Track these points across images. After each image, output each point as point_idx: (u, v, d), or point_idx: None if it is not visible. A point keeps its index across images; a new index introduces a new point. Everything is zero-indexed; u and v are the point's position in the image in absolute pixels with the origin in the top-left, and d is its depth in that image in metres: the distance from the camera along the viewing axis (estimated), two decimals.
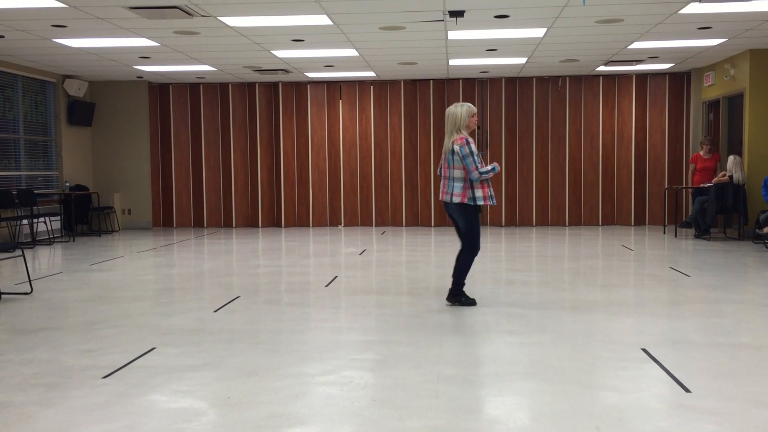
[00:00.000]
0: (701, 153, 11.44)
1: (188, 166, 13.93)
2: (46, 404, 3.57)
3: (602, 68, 12.41)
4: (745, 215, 10.52)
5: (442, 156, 5.85)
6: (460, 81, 13.41)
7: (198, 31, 8.82)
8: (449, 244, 10.55)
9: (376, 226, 13.71)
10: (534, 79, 13.39)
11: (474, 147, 5.70)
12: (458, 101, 13.32)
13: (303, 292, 6.74)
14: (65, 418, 3.37)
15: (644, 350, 4.47)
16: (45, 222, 11.48)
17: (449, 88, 13.47)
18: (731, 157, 10.46)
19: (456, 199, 5.74)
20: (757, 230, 10.12)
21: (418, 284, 7.02)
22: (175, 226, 13.99)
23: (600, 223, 13.48)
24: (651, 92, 13.27)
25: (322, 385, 3.82)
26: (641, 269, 7.93)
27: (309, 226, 13.84)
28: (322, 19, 8.20)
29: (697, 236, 11.05)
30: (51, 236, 11.68)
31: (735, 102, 11.37)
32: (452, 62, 11.47)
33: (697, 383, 3.80)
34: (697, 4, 7.64)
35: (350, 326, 5.26)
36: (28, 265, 8.62)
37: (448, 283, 6.94)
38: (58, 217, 12.04)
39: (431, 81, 13.48)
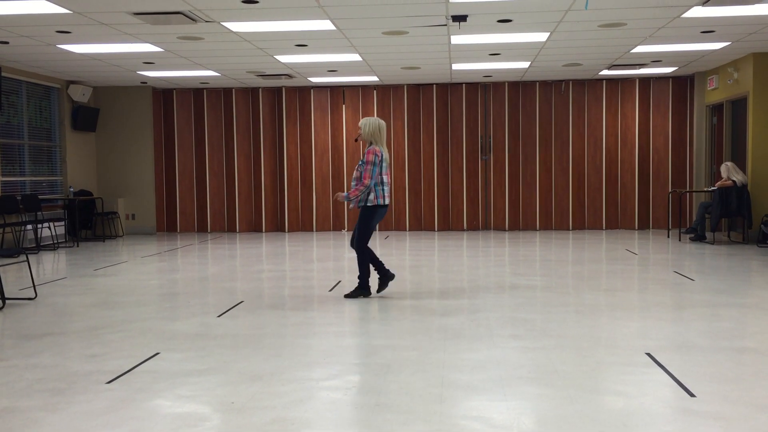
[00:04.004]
0: None
1: (192, 171, 13.96)
2: (51, 409, 3.58)
3: (605, 72, 12.41)
4: (749, 219, 10.50)
5: (385, 163, 6.35)
6: (464, 85, 13.42)
7: (202, 36, 8.84)
8: (452, 249, 10.54)
9: (379, 230, 13.71)
10: (537, 83, 13.39)
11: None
12: (461, 105, 13.41)
13: (307, 296, 6.74)
14: (69, 423, 3.37)
15: (649, 355, 4.46)
16: (49, 227, 11.50)
17: (452, 92, 13.47)
18: (723, 165, 10.49)
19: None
20: (763, 227, 10.09)
21: (421, 288, 7.02)
22: (178, 231, 14.01)
23: (604, 227, 13.46)
24: (654, 96, 13.27)
25: (326, 390, 3.82)
26: (645, 273, 7.92)
27: (312, 230, 13.85)
28: (326, 24, 8.21)
29: (694, 239, 11.00)
30: (55, 241, 11.70)
31: (738, 106, 11.36)
32: (455, 66, 11.48)
33: (702, 388, 3.79)
34: (700, 8, 7.64)
35: (354, 331, 5.25)
36: (33, 271, 8.63)
37: (452, 287, 6.93)
38: (63, 223, 12.06)
39: (434, 85, 13.49)
